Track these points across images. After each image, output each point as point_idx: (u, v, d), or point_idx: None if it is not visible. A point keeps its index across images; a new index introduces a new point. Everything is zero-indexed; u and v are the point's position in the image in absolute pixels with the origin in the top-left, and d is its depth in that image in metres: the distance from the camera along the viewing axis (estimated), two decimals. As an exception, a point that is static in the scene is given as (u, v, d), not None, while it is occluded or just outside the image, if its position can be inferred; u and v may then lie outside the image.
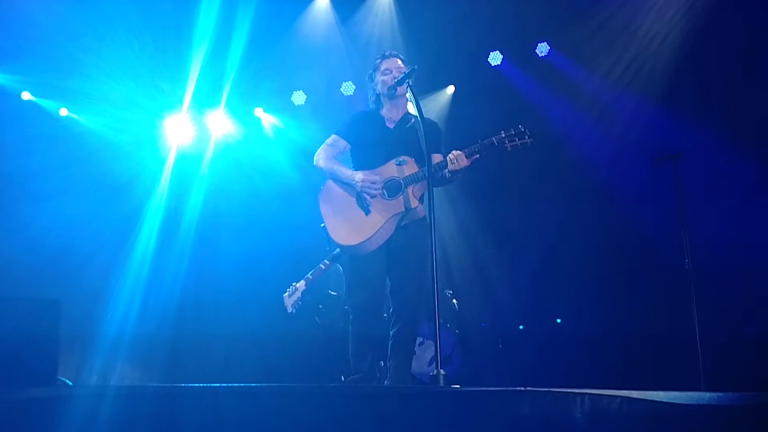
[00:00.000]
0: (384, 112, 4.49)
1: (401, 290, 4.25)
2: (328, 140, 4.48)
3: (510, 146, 4.18)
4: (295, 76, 8.12)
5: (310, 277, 5.79)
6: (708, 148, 6.30)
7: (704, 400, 2.40)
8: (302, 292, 5.75)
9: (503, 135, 4.18)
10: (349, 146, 4.45)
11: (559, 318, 6.93)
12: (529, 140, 4.19)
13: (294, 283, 5.79)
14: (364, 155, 4.37)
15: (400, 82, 4.27)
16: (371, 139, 4.40)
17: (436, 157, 4.26)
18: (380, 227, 4.16)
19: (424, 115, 4.20)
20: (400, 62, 4.48)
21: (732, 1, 6.55)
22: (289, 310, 5.77)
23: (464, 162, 4.14)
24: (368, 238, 4.15)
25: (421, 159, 4.18)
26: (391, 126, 4.44)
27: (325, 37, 7.78)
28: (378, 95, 4.49)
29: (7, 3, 7.07)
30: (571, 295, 6.86)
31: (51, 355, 3.23)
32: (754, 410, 2.28)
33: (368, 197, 4.22)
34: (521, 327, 7.36)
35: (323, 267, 5.81)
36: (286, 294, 5.78)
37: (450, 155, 4.16)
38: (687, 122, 6.57)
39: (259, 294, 7.29)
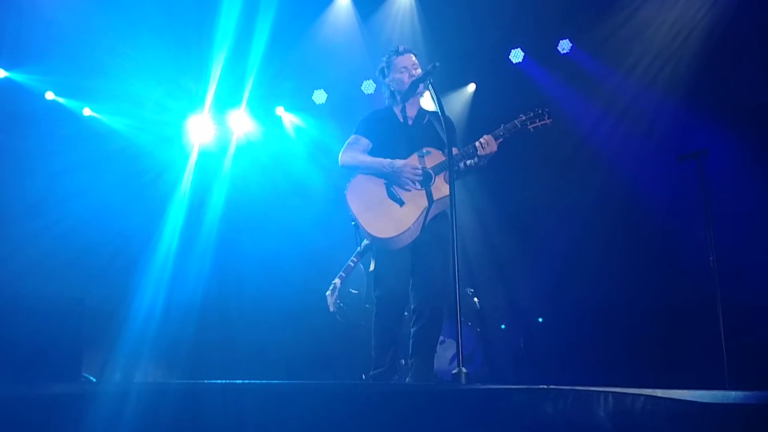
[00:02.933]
0: (399, 109, 4.47)
1: (424, 287, 4.22)
2: (350, 140, 4.44)
3: (532, 128, 4.25)
4: (316, 74, 8.13)
5: (343, 274, 5.80)
6: (732, 145, 6.23)
7: (729, 399, 2.37)
8: (338, 290, 5.75)
9: (524, 117, 4.25)
10: (371, 145, 4.41)
11: (580, 316, 6.87)
12: (548, 120, 4.27)
13: (333, 281, 5.80)
14: (385, 153, 4.33)
15: (421, 80, 4.23)
16: (391, 136, 4.38)
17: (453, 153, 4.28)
18: (417, 217, 4.13)
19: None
20: (414, 58, 4.45)
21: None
22: (331, 309, 5.75)
23: (494, 146, 4.17)
24: (407, 229, 4.10)
25: (444, 150, 4.15)
26: (408, 122, 4.43)
27: (345, 35, 7.78)
28: (393, 92, 4.46)
29: (31, 4, 7.15)
30: (594, 293, 6.81)
31: (76, 352, 3.27)
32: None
33: (409, 184, 4.17)
34: (540, 320, 7.32)
35: (352, 264, 5.81)
36: (328, 292, 5.77)
37: (480, 140, 4.17)
38: (711, 119, 6.50)
39: (281, 292, 7.34)
